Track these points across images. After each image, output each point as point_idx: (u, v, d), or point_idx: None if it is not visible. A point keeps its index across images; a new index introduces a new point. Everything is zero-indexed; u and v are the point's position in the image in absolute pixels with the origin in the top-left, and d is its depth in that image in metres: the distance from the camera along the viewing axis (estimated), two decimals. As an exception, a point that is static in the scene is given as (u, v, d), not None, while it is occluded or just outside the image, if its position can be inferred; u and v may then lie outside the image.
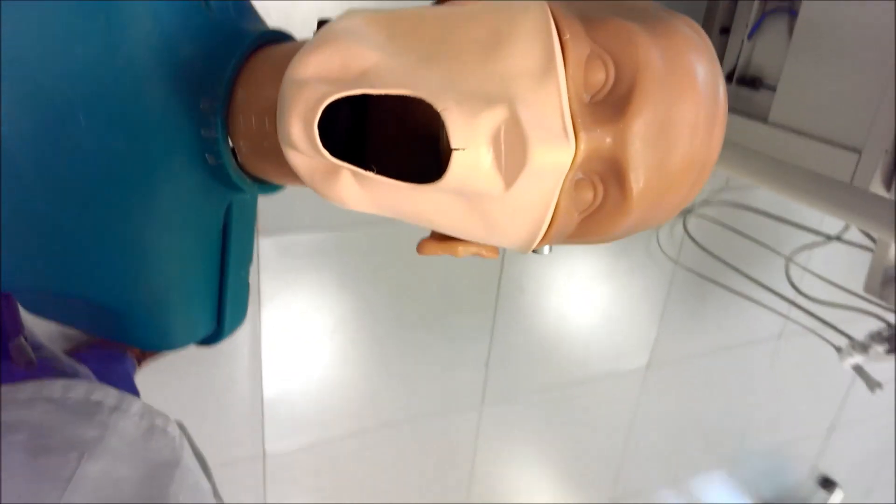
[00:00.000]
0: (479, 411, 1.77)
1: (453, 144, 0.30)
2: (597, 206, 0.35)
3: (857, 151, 1.20)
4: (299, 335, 1.45)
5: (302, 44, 0.42)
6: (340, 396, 1.55)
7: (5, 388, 0.38)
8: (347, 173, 0.33)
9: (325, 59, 0.33)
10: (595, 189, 0.35)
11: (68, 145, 0.37)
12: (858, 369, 1.31)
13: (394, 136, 0.45)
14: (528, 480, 2.00)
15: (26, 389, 0.39)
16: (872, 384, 1.28)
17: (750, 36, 1.43)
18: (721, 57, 1.49)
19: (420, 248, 0.40)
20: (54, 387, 0.40)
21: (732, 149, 1.36)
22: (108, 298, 0.43)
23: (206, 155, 0.41)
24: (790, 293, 1.54)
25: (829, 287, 1.48)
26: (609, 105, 0.33)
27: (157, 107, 0.39)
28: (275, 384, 1.45)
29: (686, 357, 2.04)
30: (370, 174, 0.32)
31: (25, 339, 0.51)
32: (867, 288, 1.30)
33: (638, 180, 0.34)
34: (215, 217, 0.47)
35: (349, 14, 0.36)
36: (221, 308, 0.51)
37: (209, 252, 0.47)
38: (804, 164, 1.30)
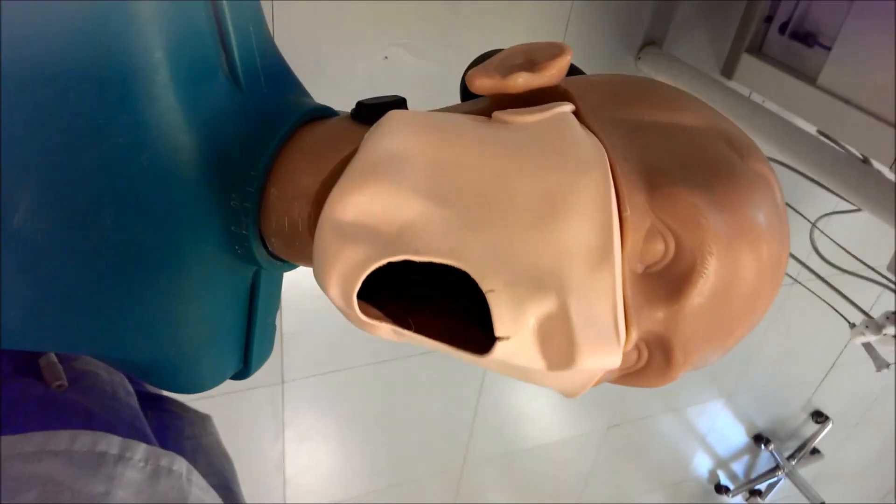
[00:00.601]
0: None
1: (497, 333, 0.29)
2: (639, 368, 0.35)
3: (906, 132, 1.13)
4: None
5: (339, 127, 0.39)
6: (356, 332, 1.60)
7: (11, 440, 0.38)
8: (387, 326, 0.33)
9: (367, 202, 0.31)
10: (640, 353, 0.34)
11: (93, 236, 0.36)
12: (868, 347, 1.32)
13: None
14: (532, 407, 2.10)
15: (33, 441, 0.39)
16: (880, 364, 1.29)
17: (811, -14, 1.31)
18: (776, 5, 1.38)
19: None
20: (60, 438, 0.40)
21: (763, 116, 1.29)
22: (135, 359, 0.44)
23: (236, 247, 0.40)
24: (811, 256, 1.53)
25: (849, 256, 1.46)
26: (664, 281, 0.31)
27: (184, 203, 0.37)
28: (293, 320, 1.49)
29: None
30: (409, 332, 0.32)
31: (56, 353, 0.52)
32: (892, 267, 1.28)
33: (686, 355, 0.33)
34: (243, 282, 0.46)
35: (392, 126, 0.34)
36: (248, 351, 0.52)
37: (237, 310, 0.48)
38: (846, 135, 1.24)
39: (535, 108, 0.34)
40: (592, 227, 0.30)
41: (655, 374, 0.34)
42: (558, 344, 0.29)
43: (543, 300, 0.29)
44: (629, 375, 0.35)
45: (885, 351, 1.31)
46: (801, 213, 1.54)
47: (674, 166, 0.32)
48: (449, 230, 0.30)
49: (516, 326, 0.29)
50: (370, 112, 0.38)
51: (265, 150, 0.38)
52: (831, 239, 1.54)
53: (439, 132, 0.33)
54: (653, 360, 0.34)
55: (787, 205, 1.58)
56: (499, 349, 0.30)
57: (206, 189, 0.37)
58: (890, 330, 1.27)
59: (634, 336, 0.31)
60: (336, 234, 0.31)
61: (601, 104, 0.35)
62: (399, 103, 0.40)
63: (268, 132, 0.38)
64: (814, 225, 1.50)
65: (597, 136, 0.33)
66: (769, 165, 0.35)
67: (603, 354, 0.29)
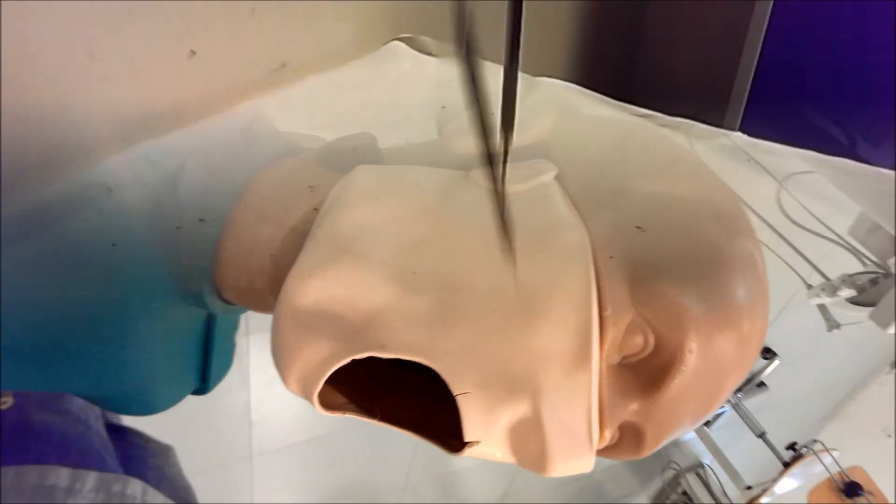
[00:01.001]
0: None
1: (467, 437, 0.28)
2: (609, 446, 0.34)
3: None
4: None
5: (303, 171, 0.36)
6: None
7: None
8: (352, 416, 0.31)
9: (329, 287, 0.28)
10: (612, 436, 0.33)
11: (31, 294, 0.34)
12: (822, 308, 1.36)
13: None
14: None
15: None
16: (832, 324, 1.34)
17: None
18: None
19: None
20: (7, 475, 0.40)
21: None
22: (86, 394, 0.42)
23: (190, 299, 0.38)
24: (773, 211, 1.55)
25: (810, 216, 1.49)
26: (641, 373, 0.30)
27: (128, 265, 0.35)
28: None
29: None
30: (375, 422, 0.31)
31: None
32: (853, 231, 1.31)
33: (658, 438, 0.32)
34: (198, 318, 0.44)
35: (358, 189, 0.31)
36: (206, 371, 0.50)
37: (193, 342, 0.46)
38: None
39: (516, 168, 0.32)
40: (571, 329, 0.28)
41: (625, 453, 0.34)
42: (530, 449, 0.29)
43: (516, 405, 0.27)
44: (598, 451, 0.35)
45: (837, 312, 1.36)
46: (768, 171, 1.54)
47: (658, 257, 0.30)
48: (419, 324, 0.28)
49: (487, 431, 0.28)
50: (336, 155, 0.36)
51: (220, 204, 0.35)
52: (796, 199, 1.55)
53: (410, 201, 0.30)
54: (623, 442, 0.33)
55: (757, 161, 1.55)
56: (469, 451, 0.29)
57: (152, 250, 0.35)
58: (845, 292, 1.31)
59: (608, 435, 0.30)
60: (295, 324, 0.29)
61: (588, 166, 0.33)
62: (367, 146, 0.36)
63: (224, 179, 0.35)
64: (781, 184, 1.51)
65: (579, 212, 0.31)
66: (754, 236, 0.34)
67: (575, 460, 0.29)
